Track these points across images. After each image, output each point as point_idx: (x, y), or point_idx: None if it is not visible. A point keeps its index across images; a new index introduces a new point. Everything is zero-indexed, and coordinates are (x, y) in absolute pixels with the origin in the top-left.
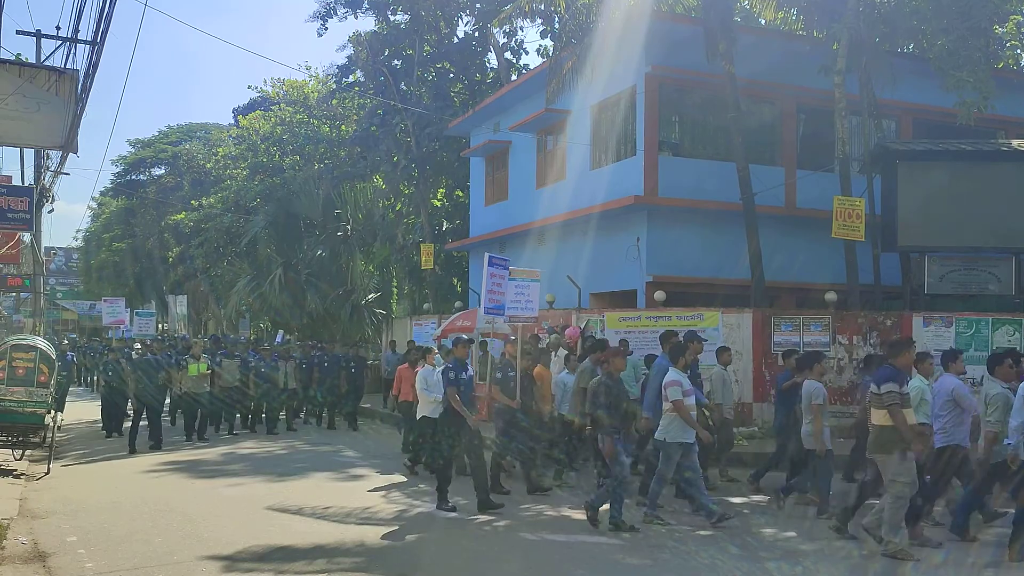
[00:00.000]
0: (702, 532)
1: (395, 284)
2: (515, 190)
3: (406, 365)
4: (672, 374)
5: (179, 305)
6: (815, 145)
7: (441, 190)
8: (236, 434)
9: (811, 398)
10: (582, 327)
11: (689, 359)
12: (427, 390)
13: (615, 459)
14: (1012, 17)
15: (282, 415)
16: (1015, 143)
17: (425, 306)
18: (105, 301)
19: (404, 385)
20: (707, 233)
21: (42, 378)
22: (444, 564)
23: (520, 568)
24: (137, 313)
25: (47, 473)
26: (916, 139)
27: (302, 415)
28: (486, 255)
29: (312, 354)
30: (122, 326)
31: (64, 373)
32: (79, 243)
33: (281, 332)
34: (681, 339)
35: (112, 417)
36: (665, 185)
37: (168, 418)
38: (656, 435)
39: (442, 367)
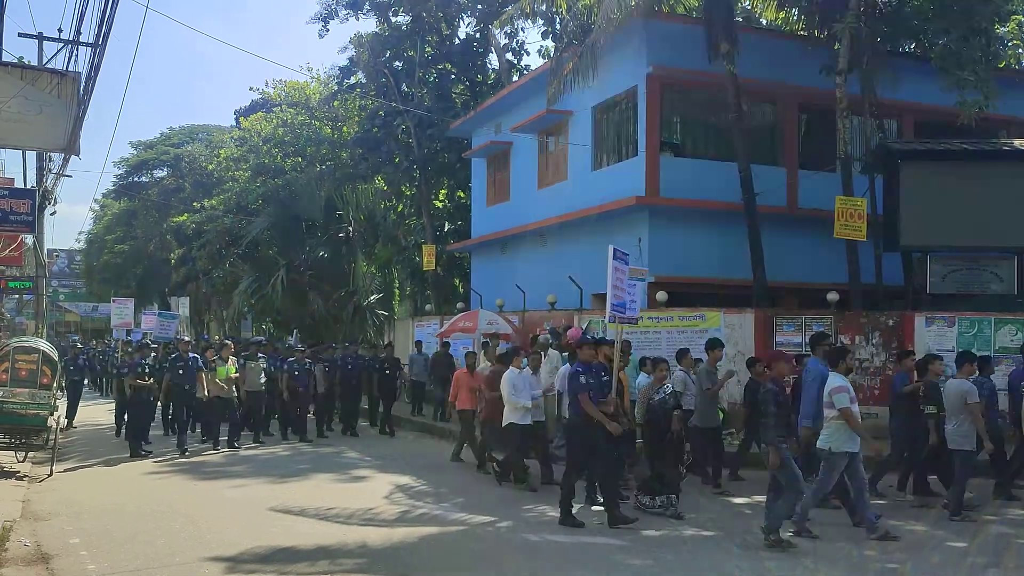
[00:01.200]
0: (705, 532)
1: (397, 285)
2: (517, 191)
3: (464, 370)
4: (836, 379)
5: (181, 307)
6: (817, 145)
7: (443, 191)
8: (262, 441)
9: (963, 397)
10: (584, 328)
11: (850, 364)
12: (515, 395)
13: (784, 468)
14: (1014, 17)
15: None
16: (1017, 142)
17: (427, 307)
18: (115, 302)
19: (463, 391)
20: (709, 233)
21: (45, 380)
22: (446, 565)
23: (522, 569)
24: (159, 314)
25: (50, 475)
26: (918, 139)
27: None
28: (611, 247)
29: (339, 356)
30: (146, 328)
31: (76, 378)
32: (81, 245)
33: (296, 331)
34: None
35: (139, 425)
36: (666, 185)
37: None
38: (819, 444)
39: (565, 369)
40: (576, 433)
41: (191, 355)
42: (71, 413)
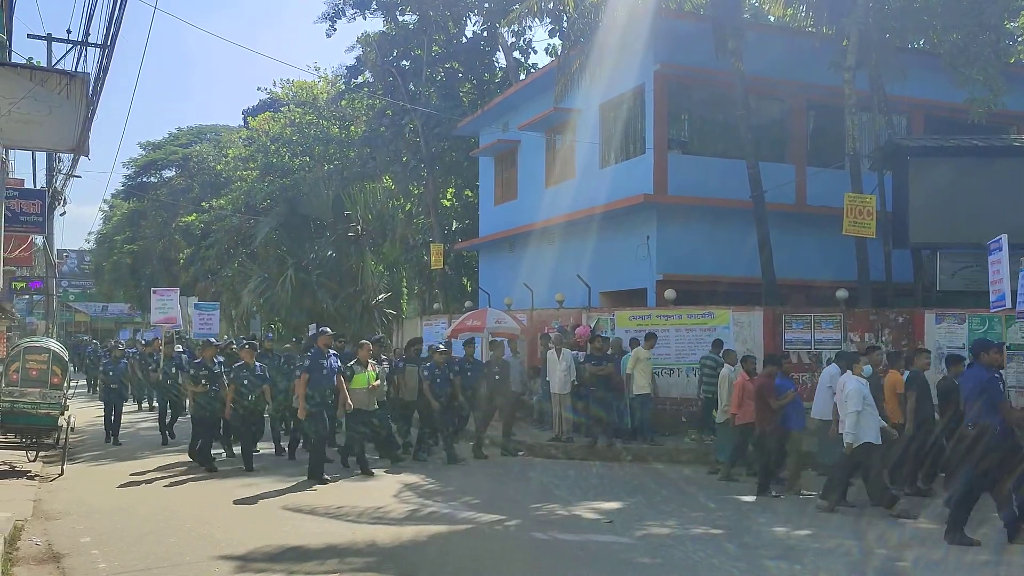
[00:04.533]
0: (713, 531)
1: (405, 284)
2: (524, 189)
3: (744, 375)
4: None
5: (190, 307)
6: (825, 142)
7: (450, 190)
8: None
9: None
10: (592, 326)
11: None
12: (869, 409)
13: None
14: (1023, 13)
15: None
16: None
17: (435, 306)
18: (156, 293)
19: (748, 401)
20: (717, 231)
21: (55, 380)
22: (455, 564)
23: (531, 567)
24: (198, 306)
25: (61, 474)
26: (927, 135)
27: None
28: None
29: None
30: (173, 324)
31: (115, 385)
32: (91, 245)
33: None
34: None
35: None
36: (674, 183)
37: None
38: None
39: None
40: (998, 444)
41: (256, 364)
42: (115, 428)
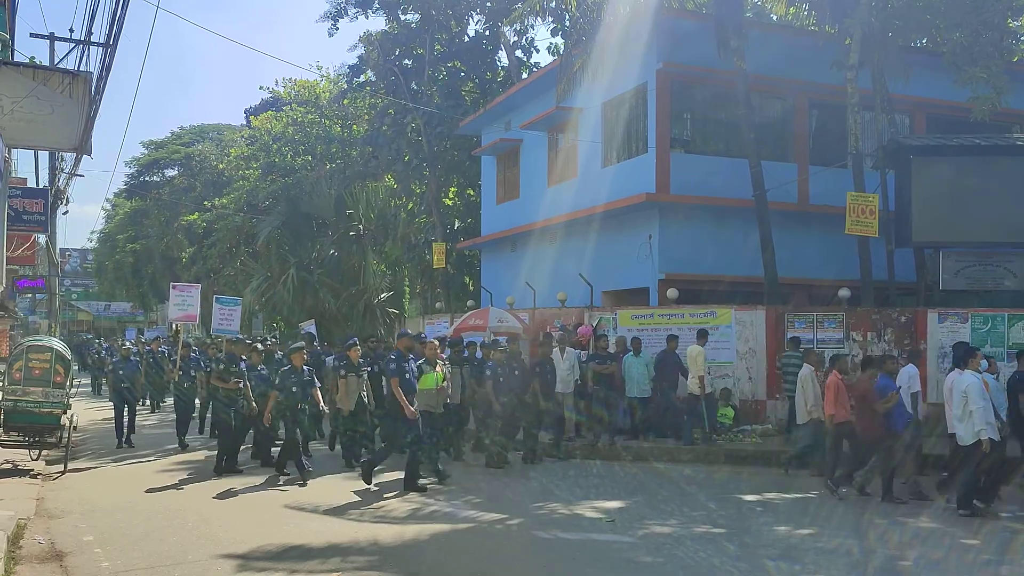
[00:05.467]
0: (715, 531)
1: (407, 283)
2: (526, 188)
3: (837, 375)
4: None
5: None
6: (827, 140)
7: (453, 189)
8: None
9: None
10: (594, 325)
11: None
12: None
13: None
14: None
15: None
16: None
17: (437, 305)
18: (175, 288)
19: (841, 398)
20: (719, 230)
21: (58, 378)
22: (457, 563)
23: (533, 566)
24: (219, 300)
25: (63, 473)
26: (930, 134)
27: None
28: None
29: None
30: (193, 321)
31: (126, 384)
32: (93, 244)
33: (312, 322)
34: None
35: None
36: (676, 182)
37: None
38: None
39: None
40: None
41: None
42: (125, 430)
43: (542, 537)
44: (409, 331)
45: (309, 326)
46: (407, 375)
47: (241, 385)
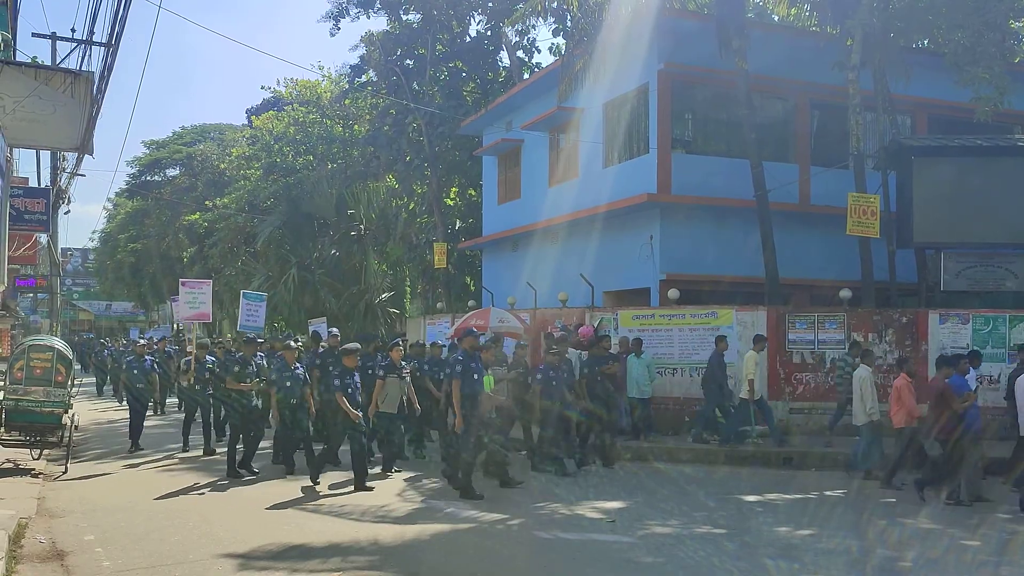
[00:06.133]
0: (715, 531)
1: (408, 283)
2: (527, 188)
3: (904, 375)
4: None
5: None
6: (829, 141)
7: (454, 189)
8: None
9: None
10: (595, 326)
11: None
12: None
13: None
14: None
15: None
16: None
17: (439, 305)
18: (184, 285)
19: (907, 400)
20: (720, 230)
21: (59, 378)
22: (457, 562)
23: (533, 566)
24: (245, 295)
25: (65, 472)
26: (931, 135)
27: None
28: None
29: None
30: (184, 320)
31: (140, 385)
32: (95, 244)
33: (323, 320)
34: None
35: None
36: (678, 182)
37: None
38: None
39: None
40: None
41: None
42: (136, 433)
43: (543, 537)
44: (475, 330)
45: (319, 324)
46: (474, 376)
47: (261, 385)
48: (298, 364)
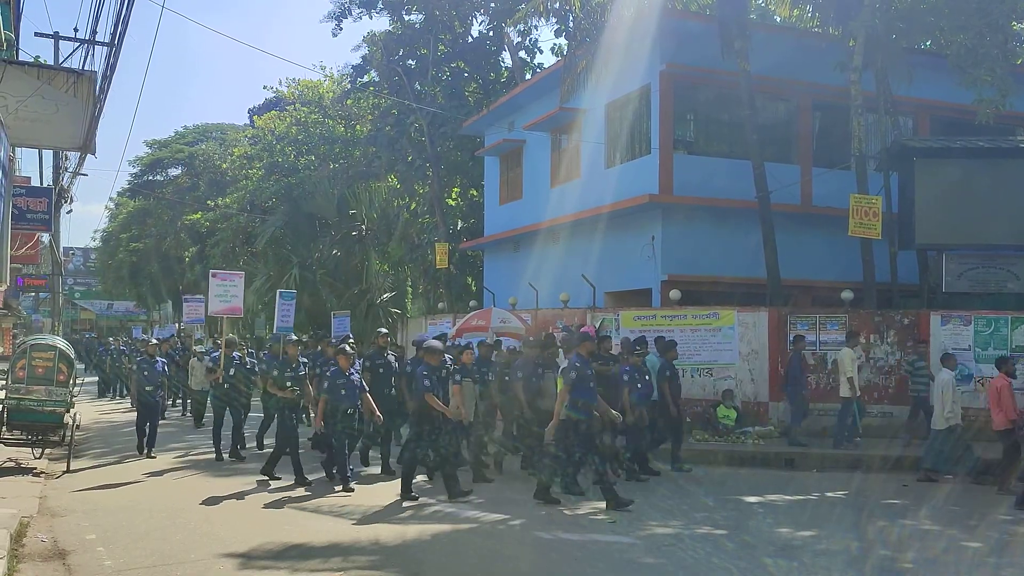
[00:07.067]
0: (716, 531)
1: (410, 283)
2: (529, 189)
3: (1003, 375)
4: None
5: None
6: (831, 142)
7: (456, 189)
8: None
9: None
10: (597, 326)
11: None
12: None
13: None
14: None
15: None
16: None
17: (440, 305)
18: (215, 276)
19: (1006, 403)
20: (722, 231)
21: (61, 377)
22: (459, 563)
23: (535, 567)
24: (282, 294)
25: (66, 472)
26: (933, 136)
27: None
28: None
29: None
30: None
31: (150, 387)
32: (97, 243)
33: (347, 314)
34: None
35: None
36: (680, 183)
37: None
38: None
39: None
40: None
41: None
42: (150, 442)
43: (544, 537)
44: (595, 327)
45: (343, 317)
46: (591, 384)
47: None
48: (353, 370)
